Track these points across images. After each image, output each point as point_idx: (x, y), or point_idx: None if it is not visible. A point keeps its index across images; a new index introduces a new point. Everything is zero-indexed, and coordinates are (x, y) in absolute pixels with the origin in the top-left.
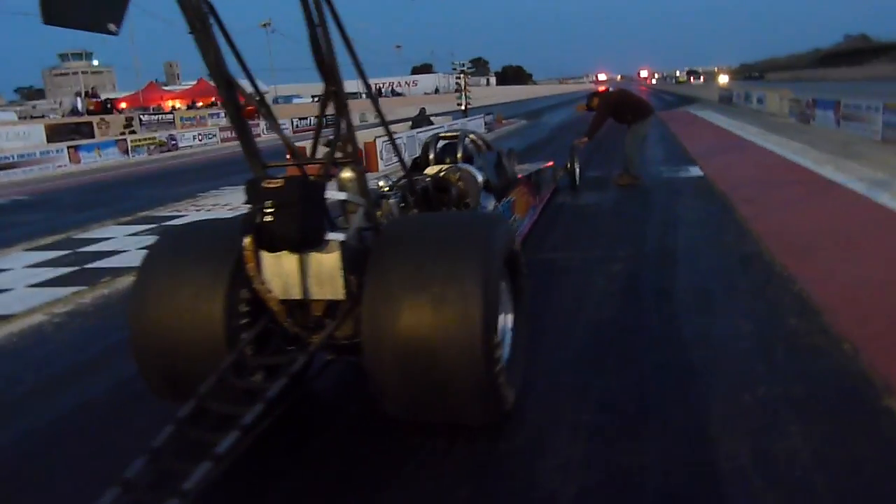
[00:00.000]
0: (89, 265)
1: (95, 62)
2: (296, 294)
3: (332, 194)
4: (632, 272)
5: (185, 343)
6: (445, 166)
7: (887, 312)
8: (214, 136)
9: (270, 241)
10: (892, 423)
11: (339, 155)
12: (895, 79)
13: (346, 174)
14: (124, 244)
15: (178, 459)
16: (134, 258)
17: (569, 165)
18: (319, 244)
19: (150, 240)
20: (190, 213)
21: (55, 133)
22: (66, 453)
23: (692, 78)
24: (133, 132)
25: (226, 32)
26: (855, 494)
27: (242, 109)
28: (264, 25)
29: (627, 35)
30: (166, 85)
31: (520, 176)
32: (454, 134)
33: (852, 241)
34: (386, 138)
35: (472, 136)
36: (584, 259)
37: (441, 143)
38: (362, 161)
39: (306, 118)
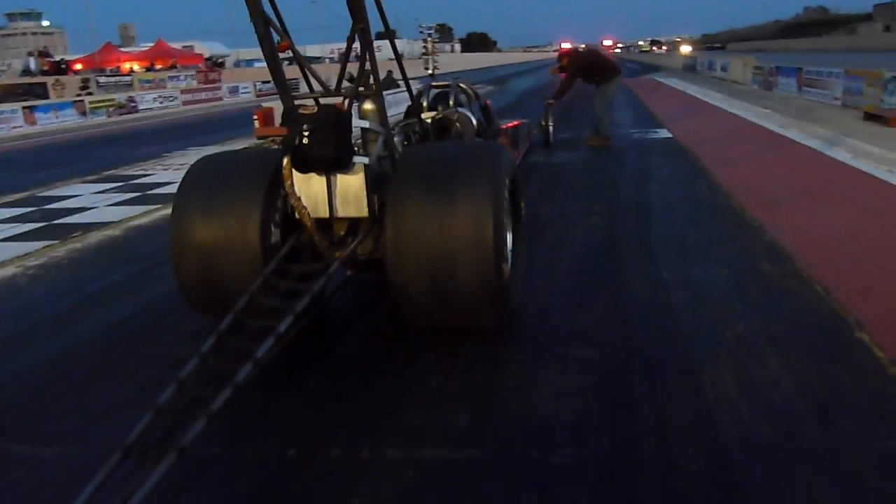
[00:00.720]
0: (58, 221)
1: (45, 23)
2: (323, 213)
3: (356, 122)
4: (609, 224)
5: (225, 259)
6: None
7: (855, 257)
8: (175, 98)
9: (306, 161)
10: (865, 353)
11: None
12: (852, 49)
13: (368, 105)
14: (92, 201)
15: (205, 384)
16: (104, 214)
17: (543, 123)
18: (347, 166)
19: (119, 197)
20: (157, 172)
21: (7, 94)
22: (57, 392)
23: (655, 47)
24: (90, 94)
25: None
26: (834, 415)
27: (276, 46)
28: None
29: (591, 4)
30: (123, 47)
31: (502, 127)
32: (446, 84)
33: (817, 195)
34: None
35: (462, 84)
36: (563, 213)
37: (433, 92)
38: (382, 94)
39: (268, 82)
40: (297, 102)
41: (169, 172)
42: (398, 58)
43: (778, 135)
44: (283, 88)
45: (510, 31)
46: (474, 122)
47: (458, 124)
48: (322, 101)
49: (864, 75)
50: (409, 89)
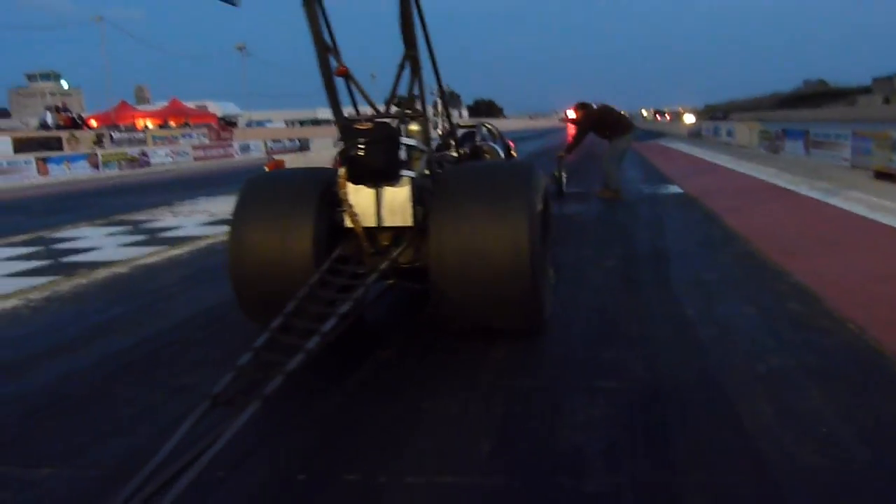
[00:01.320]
0: (64, 259)
1: (64, 83)
2: (370, 222)
3: (404, 140)
4: (626, 268)
5: (280, 267)
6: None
7: (887, 298)
8: (187, 153)
9: (360, 171)
10: None
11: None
12: (852, 120)
13: (413, 127)
14: (100, 242)
15: (259, 371)
16: (111, 254)
17: (556, 174)
18: (396, 178)
19: (128, 239)
20: (166, 217)
21: (23, 147)
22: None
23: (658, 116)
24: (103, 148)
25: (323, 9)
26: (884, 443)
27: (335, 71)
28: (239, 48)
29: (595, 75)
30: (138, 106)
31: None
32: (472, 125)
33: (839, 242)
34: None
35: (487, 125)
36: (578, 257)
37: (462, 132)
38: (427, 116)
39: (280, 141)
40: (350, 120)
41: (178, 218)
42: (441, 86)
43: (790, 190)
44: (337, 109)
45: (515, 99)
46: (502, 154)
47: (487, 155)
48: (359, 126)
49: (873, 136)
50: (449, 120)
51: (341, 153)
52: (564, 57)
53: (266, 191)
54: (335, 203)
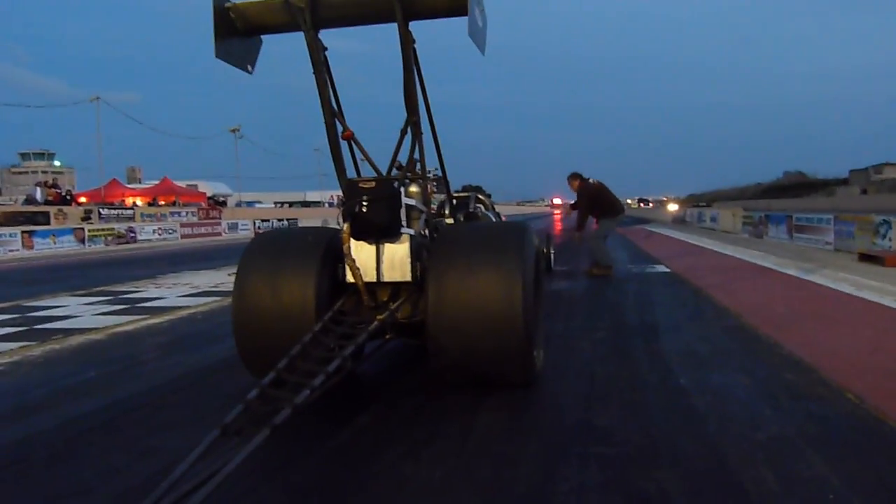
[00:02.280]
0: (39, 326)
1: (57, 162)
2: (371, 276)
3: (405, 200)
4: (615, 339)
5: (283, 320)
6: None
7: (883, 369)
8: (175, 231)
9: (363, 227)
10: None
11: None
12: (830, 210)
13: (413, 188)
14: (78, 311)
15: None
16: (88, 322)
17: (545, 250)
18: (396, 235)
19: (107, 308)
20: (149, 289)
21: (9, 220)
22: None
23: (642, 204)
24: (91, 223)
25: (332, 78)
26: None
27: (341, 135)
28: (233, 131)
29: (580, 165)
30: (129, 184)
31: None
32: (465, 194)
33: (829, 317)
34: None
35: (479, 196)
36: (567, 328)
37: (455, 202)
38: (426, 178)
39: (268, 220)
40: (355, 180)
41: (161, 290)
42: (440, 153)
43: (776, 271)
44: (341, 170)
45: (503, 185)
46: (494, 221)
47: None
48: (363, 184)
49: (855, 220)
50: (447, 186)
51: (345, 210)
52: (553, 145)
53: (272, 247)
54: (337, 258)
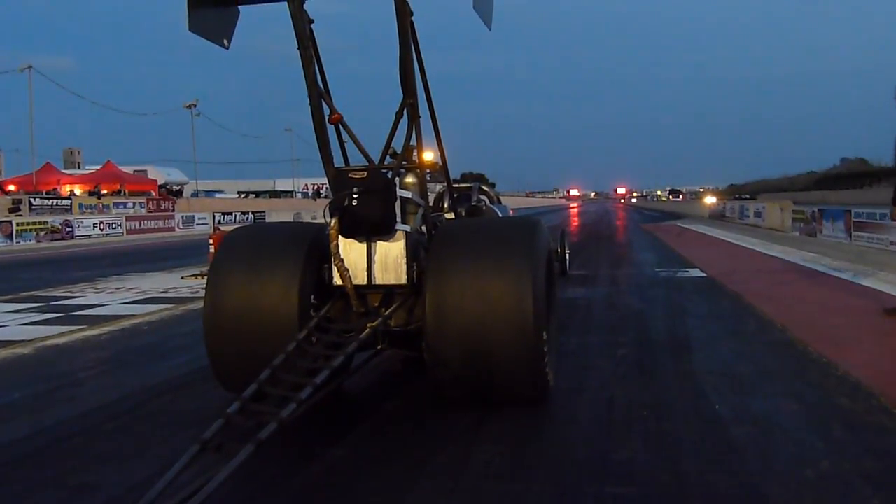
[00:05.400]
0: None
1: None
2: (361, 279)
3: (399, 192)
4: (639, 357)
5: (262, 328)
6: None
7: None
8: (119, 225)
9: (352, 223)
10: None
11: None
12: None
13: (409, 179)
14: (2, 320)
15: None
16: (13, 333)
17: (559, 251)
18: (390, 232)
19: (36, 317)
20: (87, 294)
21: None
22: None
23: (672, 196)
24: (20, 216)
25: (318, 54)
26: None
27: (328, 118)
28: (189, 106)
29: (605, 149)
30: (66, 170)
31: None
32: (468, 185)
33: (891, 333)
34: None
35: (483, 187)
36: (583, 344)
37: (457, 195)
38: (423, 168)
39: (229, 213)
40: (344, 169)
41: (101, 295)
42: (440, 140)
43: (831, 275)
44: (328, 158)
45: (510, 173)
46: (501, 215)
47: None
48: (353, 174)
49: None
50: (447, 177)
51: (332, 203)
52: (566, 127)
53: (249, 245)
54: (323, 258)
